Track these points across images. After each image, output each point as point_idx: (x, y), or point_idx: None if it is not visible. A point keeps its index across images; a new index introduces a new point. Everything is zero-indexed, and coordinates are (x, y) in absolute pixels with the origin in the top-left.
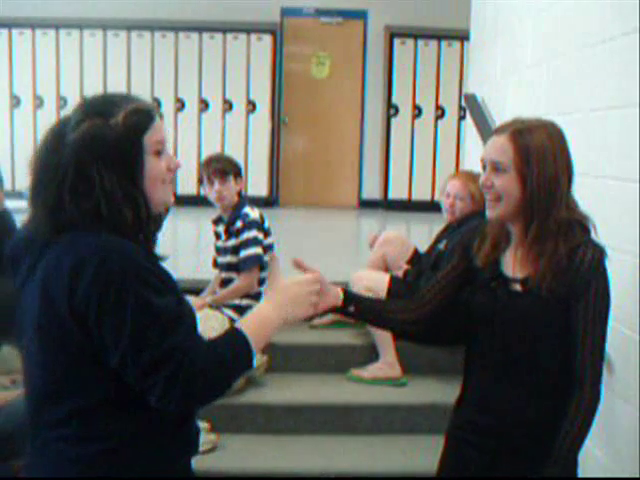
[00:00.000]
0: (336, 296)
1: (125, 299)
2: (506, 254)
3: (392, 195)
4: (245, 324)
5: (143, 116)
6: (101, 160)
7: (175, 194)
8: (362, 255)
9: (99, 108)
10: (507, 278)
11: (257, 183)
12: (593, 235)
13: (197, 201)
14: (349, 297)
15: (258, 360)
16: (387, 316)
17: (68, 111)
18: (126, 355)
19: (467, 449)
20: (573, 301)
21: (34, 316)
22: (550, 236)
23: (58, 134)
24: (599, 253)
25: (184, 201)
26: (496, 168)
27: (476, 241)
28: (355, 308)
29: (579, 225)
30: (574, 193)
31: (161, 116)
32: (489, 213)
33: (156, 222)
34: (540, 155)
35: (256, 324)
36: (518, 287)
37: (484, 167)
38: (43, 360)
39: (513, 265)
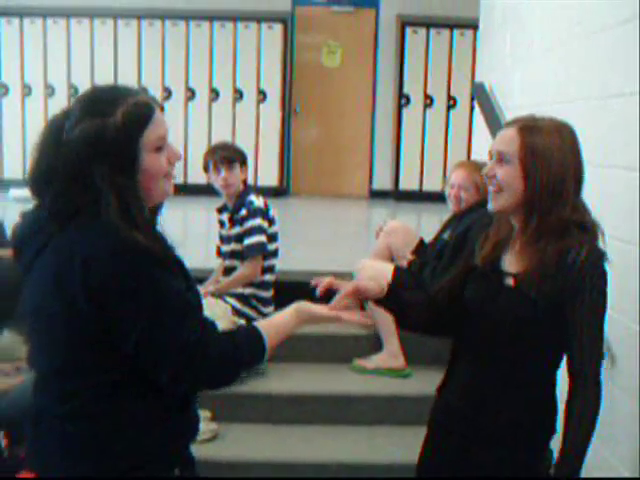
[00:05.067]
0: (380, 290)
1: (140, 285)
2: (508, 251)
3: (403, 185)
4: (263, 323)
5: (142, 112)
6: (99, 158)
7: (185, 183)
8: (372, 245)
9: (98, 106)
10: (502, 272)
11: (268, 173)
12: (599, 242)
13: (207, 190)
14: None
15: None
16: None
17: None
18: (140, 341)
19: (444, 435)
20: (567, 303)
21: (42, 297)
22: (545, 235)
23: (58, 129)
24: (595, 256)
25: (194, 190)
26: (501, 158)
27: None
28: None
29: (578, 227)
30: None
31: (162, 108)
32: (491, 204)
33: (153, 212)
34: (546, 155)
35: (274, 325)
36: (510, 281)
37: (491, 158)
38: (50, 340)
39: (510, 259)
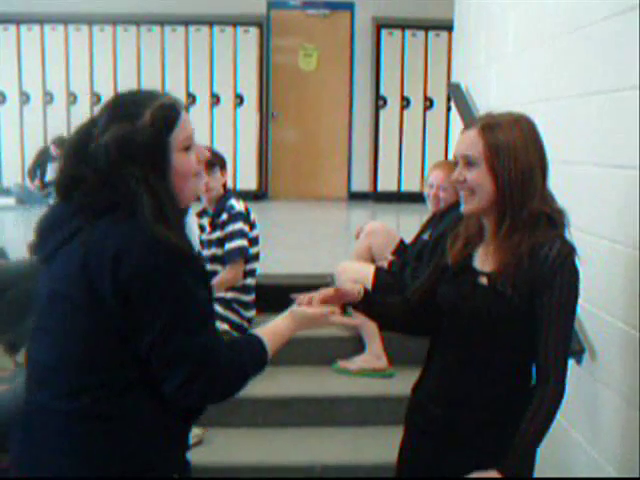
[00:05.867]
0: (357, 293)
1: (169, 284)
2: (479, 248)
3: (381, 187)
4: (261, 330)
5: (169, 113)
6: (131, 161)
7: None
8: (351, 247)
9: (126, 110)
10: (475, 271)
11: (246, 176)
12: (567, 232)
13: None
14: (367, 295)
15: None
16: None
17: (54, 107)
18: (157, 341)
19: (419, 434)
20: (536, 298)
21: (66, 286)
22: (519, 230)
23: (85, 137)
24: (566, 250)
25: None
26: (467, 162)
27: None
28: (368, 303)
29: (548, 221)
30: (551, 184)
31: (186, 109)
32: (464, 208)
33: (183, 213)
34: (510, 149)
35: (272, 331)
36: (484, 280)
37: (457, 163)
38: (66, 330)
39: (484, 258)
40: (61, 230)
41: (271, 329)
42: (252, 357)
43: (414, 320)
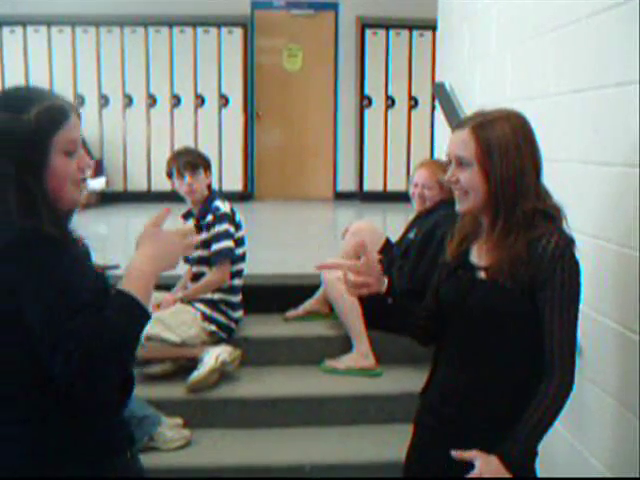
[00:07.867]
0: (382, 284)
1: (46, 283)
2: (476, 244)
3: (367, 186)
4: (129, 284)
5: (56, 114)
6: (7, 152)
7: (149, 191)
8: (339, 246)
9: (13, 102)
10: (473, 266)
11: (232, 178)
12: (565, 226)
13: (172, 197)
14: (392, 290)
15: (231, 354)
16: (406, 321)
17: None
18: (40, 333)
19: (429, 435)
20: (538, 291)
21: None
22: (514, 229)
23: None
24: (564, 242)
25: (158, 197)
26: (460, 163)
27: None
28: (392, 302)
29: (543, 216)
30: (545, 181)
31: (78, 115)
32: (459, 207)
33: (66, 217)
34: (502, 148)
35: (137, 281)
36: (483, 275)
37: (449, 162)
38: None
39: (480, 253)
40: None
41: (128, 277)
42: (125, 317)
43: (432, 325)
